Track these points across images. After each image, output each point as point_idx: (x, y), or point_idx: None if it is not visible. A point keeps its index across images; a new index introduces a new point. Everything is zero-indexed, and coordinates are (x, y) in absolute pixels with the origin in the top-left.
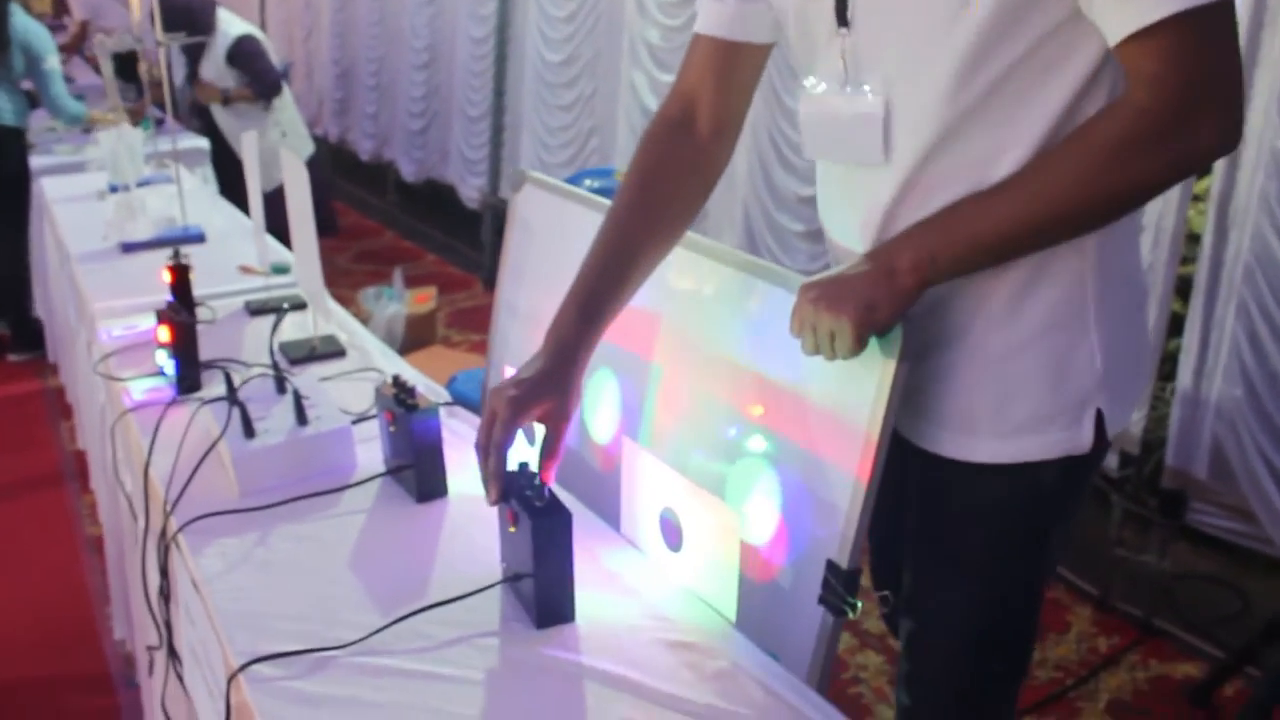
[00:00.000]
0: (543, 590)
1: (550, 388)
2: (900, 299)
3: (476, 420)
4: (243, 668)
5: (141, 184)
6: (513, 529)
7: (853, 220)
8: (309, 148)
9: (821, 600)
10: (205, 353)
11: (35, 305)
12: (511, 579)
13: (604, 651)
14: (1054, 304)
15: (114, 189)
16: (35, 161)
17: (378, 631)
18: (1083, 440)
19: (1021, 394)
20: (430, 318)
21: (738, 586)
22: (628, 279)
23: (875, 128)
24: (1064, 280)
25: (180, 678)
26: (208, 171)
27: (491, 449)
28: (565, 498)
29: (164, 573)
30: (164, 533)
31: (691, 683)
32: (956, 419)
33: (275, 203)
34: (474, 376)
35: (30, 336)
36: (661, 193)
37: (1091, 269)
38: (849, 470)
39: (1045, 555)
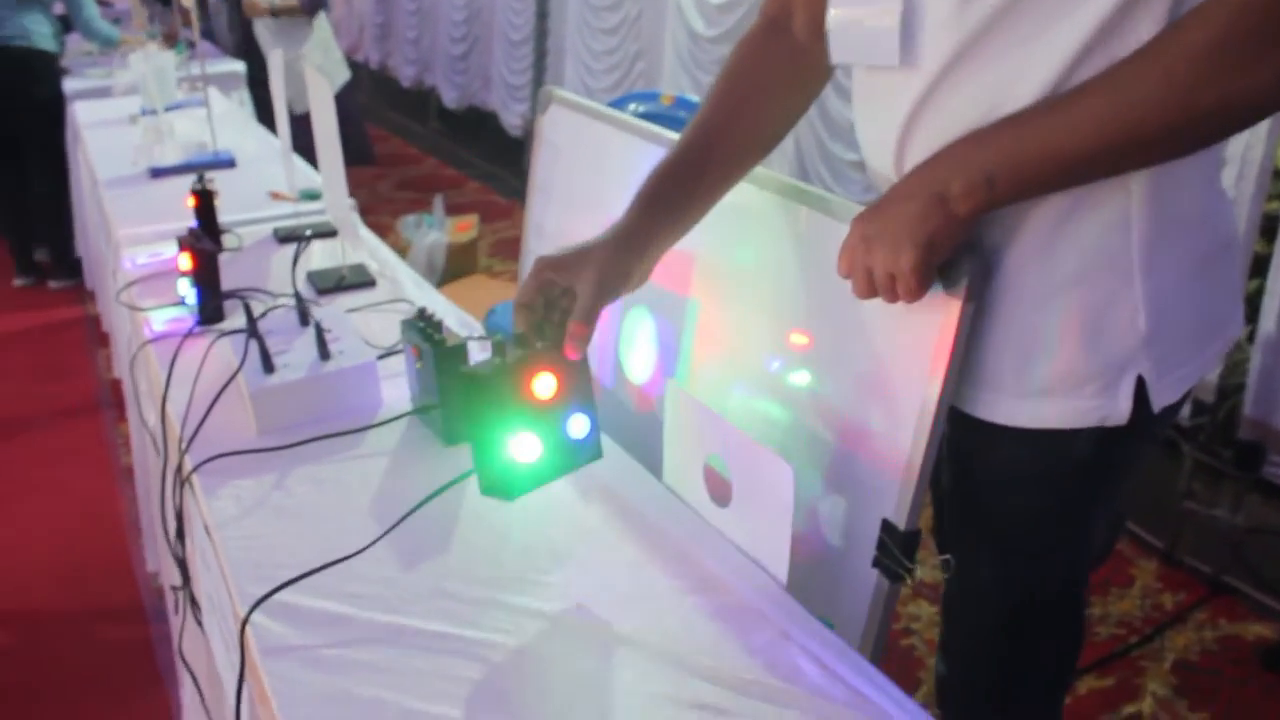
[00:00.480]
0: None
1: (588, 262)
2: (957, 229)
3: None
4: (253, 608)
5: (172, 108)
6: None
7: (874, 135)
8: (344, 74)
9: (876, 563)
10: (231, 281)
11: (76, 236)
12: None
13: (642, 620)
14: (1091, 244)
15: (146, 113)
16: (68, 85)
17: (368, 546)
18: (1118, 410)
19: (1048, 349)
20: (471, 247)
21: (789, 545)
22: (703, 178)
23: (893, 22)
24: (1104, 217)
25: (199, 622)
26: (244, 95)
27: (518, 308)
28: (605, 443)
29: (179, 514)
30: (179, 471)
31: (737, 654)
32: (983, 372)
33: (309, 127)
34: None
35: (71, 263)
36: (750, 94)
37: (1140, 208)
38: (908, 420)
39: (1085, 537)
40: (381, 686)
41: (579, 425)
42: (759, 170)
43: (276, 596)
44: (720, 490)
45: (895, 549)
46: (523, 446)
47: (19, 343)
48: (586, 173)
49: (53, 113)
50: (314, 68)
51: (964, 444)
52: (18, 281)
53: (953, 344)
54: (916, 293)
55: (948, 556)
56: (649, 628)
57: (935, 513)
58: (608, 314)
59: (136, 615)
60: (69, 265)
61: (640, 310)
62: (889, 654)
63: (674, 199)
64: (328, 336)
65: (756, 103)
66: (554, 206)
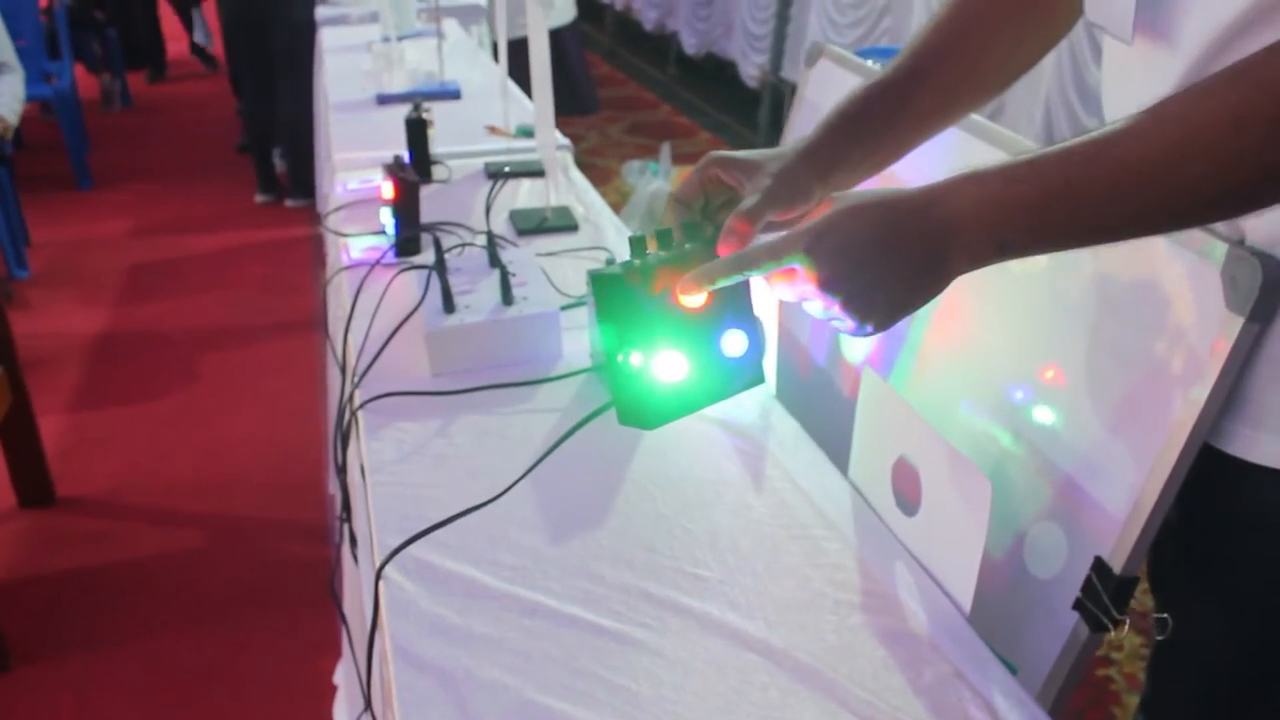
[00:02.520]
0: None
1: (764, 165)
2: (941, 286)
3: None
4: (386, 560)
5: (407, 37)
6: None
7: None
8: (570, 13)
9: (1077, 605)
10: (435, 214)
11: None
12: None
13: (797, 634)
14: None
15: (387, 40)
16: (319, 12)
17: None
18: None
19: None
20: None
21: (977, 570)
22: (907, 107)
23: None
24: None
25: (355, 558)
26: (484, 31)
27: (669, 199)
28: (789, 426)
29: (345, 446)
30: (350, 403)
31: (899, 690)
32: (1245, 405)
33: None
34: None
35: (309, 184)
36: (977, 21)
37: None
38: (1147, 450)
39: None
40: (504, 669)
41: (735, 342)
42: None
43: (416, 553)
44: (910, 496)
45: (1105, 593)
46: (665, 364)
47: (253, 256)
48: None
49: (305, 37)
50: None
51: (1201, 479)
52: (259, 198)
53: (1221, 369)
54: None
55: (1164, 616)
56: (804, 645)
57: (1152, 558)
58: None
59: (320, 535)
60: (307, 185)
61: None
62: (1084, 683)
63: (872, 124)
64: (514, 280)
65: (983, 33)
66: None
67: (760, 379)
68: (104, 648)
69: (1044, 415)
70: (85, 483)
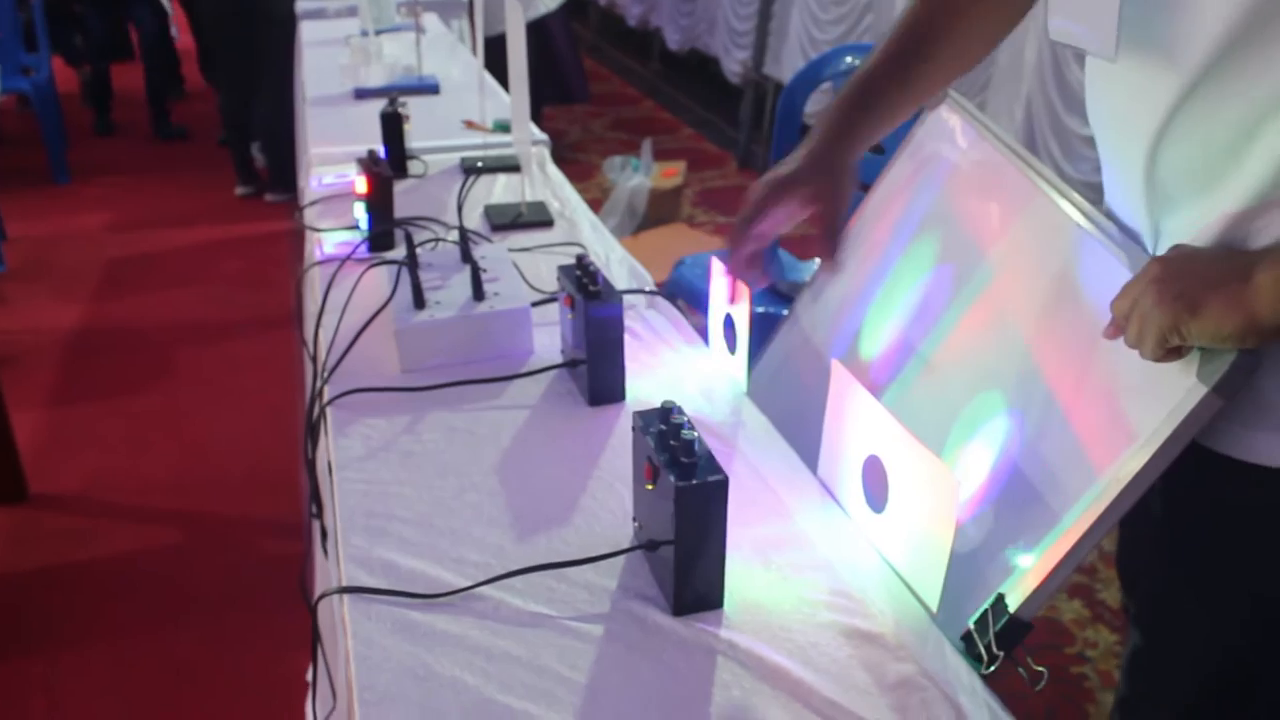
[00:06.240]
0: (683, 569)
1: (814, 171)
2: (1237, 316)
3: (679, 316)
4: (323, 596)
5: (387, 30)
6: (650, 486)
7: (1116, 131)
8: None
9: (965, 635)
10: (410, 209)
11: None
12: (646, 546)
13: (763, 632)
14: None
15: (365, 34)
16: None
17: (475, 585)
18: None
19: None
20: (676, 194)
21: (946, 569)
22: (918, 67)
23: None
24: None
25: (326, 553)
26: (464, 25)
27: (737, 225)
28: (760, 423)
29: (315, 443)
30: (319, 399)
31: (864, 689)
32: (1244, 409)
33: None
34: (701, 261)
35: (289, 178)
36: None
37: None
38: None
39: None
40: (464, 668)
41: None
42: (1065, 187)
43: (379, 553)
44: (879, 494)
45: (989, 630)
46: None
47: (232, 251)
48: (964, 202)
49: (287, 30)
50: None
51: (1193, 477)
52: (239, 190)
53: (1174, 429)
54: (1152, 351)
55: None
56: (769, 643)
57: (1125, 557)
58: (869, 267)
59: (296, 532)
60: (287, 180)
61: (927, 250)
62: (1060, 682)
63: (887, 90)
64: (485, 276)
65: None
66: (879, 230)
67: None
68: (75, 646)
69: (1023, 432)
70: (59, 479)
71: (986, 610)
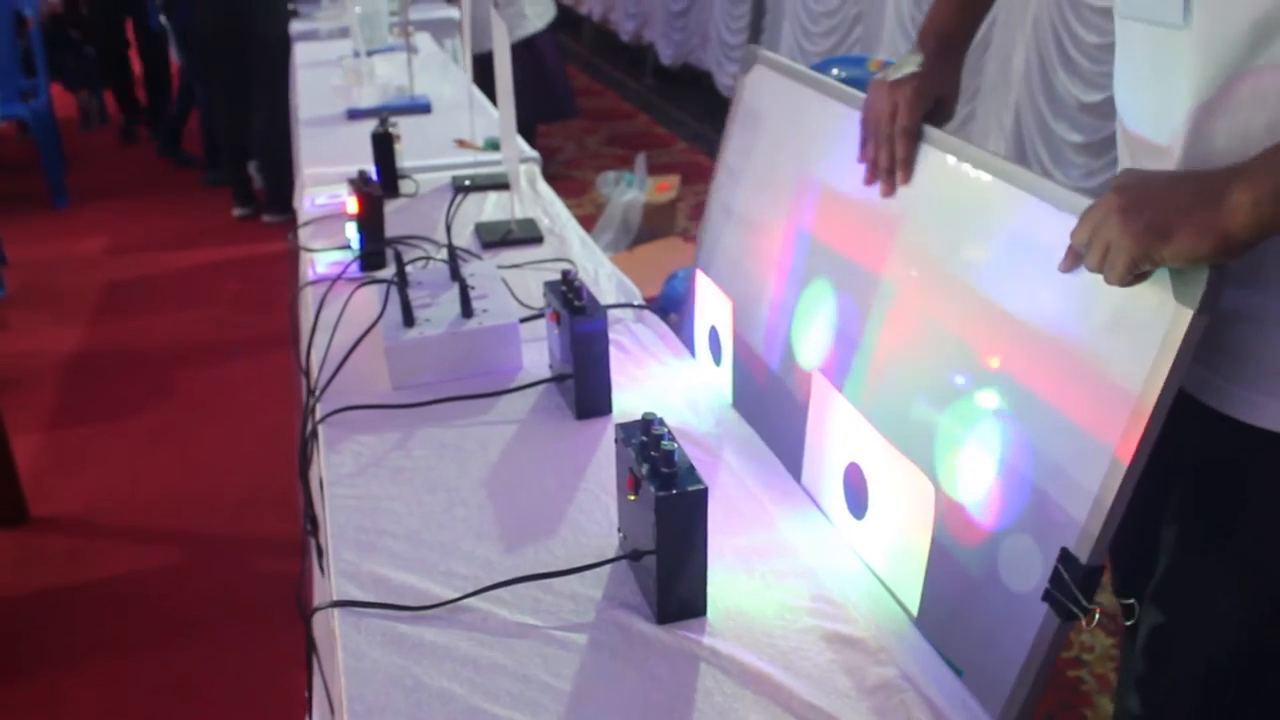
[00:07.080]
0: (666, 578)
1: (938, 79)
2: (1210, 239)
3: (666, 330)
4: (315, 610)
5: (379, 51)
6: (632, 497)
7: (1151, 104)
8: (546, 18)
9: (1047, 596)
10: (402, 228)
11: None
12: (630, 556)
13: (745, 638)
14: None
15: (358, 55)
16: (294, 27)
17: (468, 596)
18: None
19: None
20: (670, 208)
21: (925, 573)
22: None
23: None
24: None
25: (322, 570)
26: (457, 44)
27: (897, 135)
28: (742, 432)
29: (308, 460)
30: (311, 417)
31: (845, 693)
32: (1258, 373)
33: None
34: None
35: (286, 199)
36: None
37: None
38: (1106, 442)
39: None
40: (452, 679)
41: None
42: (978, 151)
43: (370, 567)
44: (860, 500)
45: (1073, 584)
46: None
47: (230, 271)
48: (785, 149)
49: (280, 52)
50: (498, 11)
51: (1217, 451)
52: (237, 211)
53: (1173, 362)
54: (1121, 276)
55: (1131, 601)
56: (751, 648)
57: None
58: (782, 285)
59: (294, 551)
60: (284, 200)
61: (823, 284)
62: (1056, 685)
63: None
64: (474, 293)
65: None
66: (744, 185)
67: None
68: (77, 666)
69: (996, 414)
70: (59, 502)
71: (1058, 567)
